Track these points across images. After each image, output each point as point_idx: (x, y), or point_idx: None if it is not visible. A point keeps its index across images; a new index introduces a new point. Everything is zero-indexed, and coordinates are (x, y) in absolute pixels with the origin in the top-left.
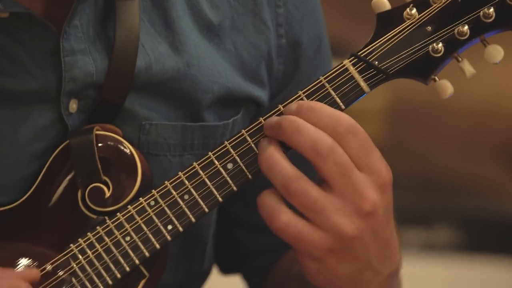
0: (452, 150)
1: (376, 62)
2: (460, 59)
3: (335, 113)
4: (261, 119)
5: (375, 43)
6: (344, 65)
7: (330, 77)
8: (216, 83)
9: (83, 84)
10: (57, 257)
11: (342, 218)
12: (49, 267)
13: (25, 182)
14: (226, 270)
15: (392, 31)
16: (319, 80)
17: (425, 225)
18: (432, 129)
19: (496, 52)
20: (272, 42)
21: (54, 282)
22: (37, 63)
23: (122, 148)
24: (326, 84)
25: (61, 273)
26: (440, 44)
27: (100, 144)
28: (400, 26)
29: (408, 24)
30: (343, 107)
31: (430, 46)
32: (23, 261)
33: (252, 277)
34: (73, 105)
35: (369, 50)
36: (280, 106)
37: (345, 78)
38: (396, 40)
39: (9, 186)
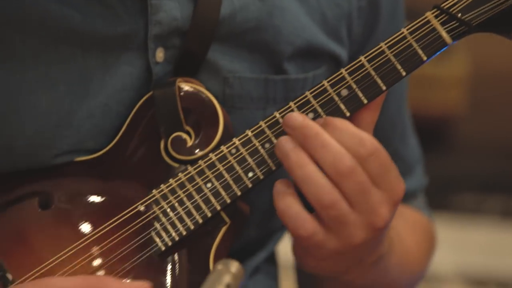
0: None
1: (459, 14)
2: None
3: (358, 134)
4: (342, 70)
5: None
6: (426, 17)
7: (412, 28)
8: (298, 36)
9: (169, 28)
10: (139, 202)
11: (356, 231)
12: (132, 212)
13: (113, 130)
14: None
15: None
16: (401, 32)
17: (506, 192)
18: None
19: None
20: (354, 2)
21: (137, 226)
22: (126, 7)
23: (204, 98)
24: (408, 36)
25: (144, 217)
26: None
27: (182, 94)
28: None
29: None
30: (424, 58)
31: None
32: (108, 207)
33: None
34: (159, 54)
35: (453, 2)
36: (362, 57)
37: (427, 30)
38: None
39: (97, 133)
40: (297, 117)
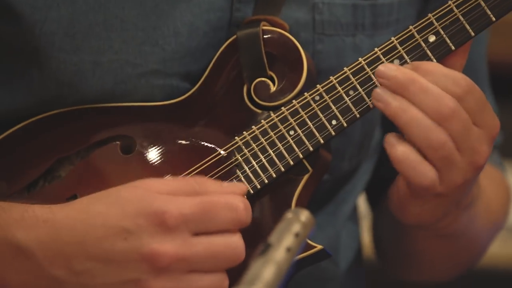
0: None
1: None
2: None
3: (452, 74)
4: (430, 15)
5: None
6: None
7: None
8: None
9: None
10: (222, 149)
11: (460, 171)
12: (214, 159)
13: (199, 52)
14: None
15: None
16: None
17: None
18: None
19: None
20: None
21: (219, 174)
22: None
23: (288, 43)
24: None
25: (226, 165)
26: None
27: (266, 39)
28: None
29: None
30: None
31: None
32: (190, 153)
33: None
34: None
35: None
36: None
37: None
38: None
39: (184, 53)
40: (390, 67)
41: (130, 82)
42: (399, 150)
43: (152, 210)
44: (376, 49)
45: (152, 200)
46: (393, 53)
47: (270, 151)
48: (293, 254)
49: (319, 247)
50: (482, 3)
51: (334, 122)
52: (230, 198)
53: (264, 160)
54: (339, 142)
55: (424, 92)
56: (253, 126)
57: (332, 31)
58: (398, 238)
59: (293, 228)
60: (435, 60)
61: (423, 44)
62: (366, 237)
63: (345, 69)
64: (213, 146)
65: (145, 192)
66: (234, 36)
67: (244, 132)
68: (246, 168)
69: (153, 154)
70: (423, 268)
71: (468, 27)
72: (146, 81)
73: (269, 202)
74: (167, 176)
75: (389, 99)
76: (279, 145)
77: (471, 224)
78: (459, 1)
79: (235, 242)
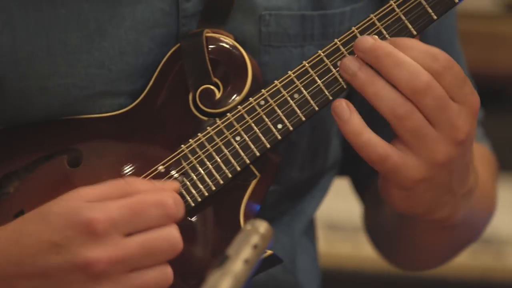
0: None
1: None
2: None
3: (430, 49)
4: (371, 15)
5: None
6: None
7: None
8: None
9: None
10: (168, 158)
11: (438, 146)
12: (161, 167)
13: (146, 70)
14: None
15: None
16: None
17: None
18: None
19: None
20: None
21: (165, 180)
22: None
23: (232, 49)
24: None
25: (172, 173)
26: None
27: (210, 46)
28: None
29: None
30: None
31: None
32: (137, 163)
33: (360, 181)
34: None
35: None
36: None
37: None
38: None
39: (131, 72)
40: (368, 39)
41: (77, 104)
42: (348, 127)
43: (79, 220)
44: (319, 52)
45: (79, 210)
46: (336, 55)
47: (217, 158)
48: (251, 266)
49: (269, 252)
50: (423, 2)
51: (279, 126)
52: (158, 195)
53: (211, 167)
54: (286, 151)
55: (399, 66)
56: (199, 134)
57: (279, 42)
58: (396, 228)
59: (252, 240)
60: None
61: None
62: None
63: (289, 72)
64: (160, 155)
65: (73, 202)
66: (178, 45)
67: (190, 140)
68: (193, 175)
69: (100, 166)
70: (421, 257)
71: (410, 26)
72: (93, 103)
73: (217, 208)
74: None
75: (356, 70)
76: (226, 151)
77: (471, 213)
78: (400, 1)
79: (169, 234)
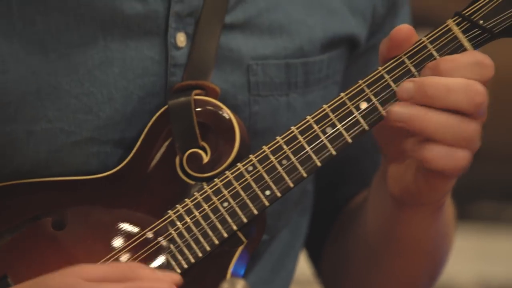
0: None
1: (481, 21)
2: None
3: (473, 56)
4: (360, 82)
5: (480, 1)
6: (447, 25)
7: (433, 37)
8: (310, 16)
9: (190, 7)
10: (155, 224)
11: (479, 136)
12: (147, 233)
13: (135, 118)
14: None
15: None
16: (421, 41)
17: None
18: None
19: None
20: None
21: (152, 249)
22: None
23: (221, 113)
24: (429, 45)
25: (159, 239)
26: None
27: (198, 109)
28: None
29: None
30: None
31: None
32: (122, 227)
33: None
34: (181, 38)
35: (474, 9)
36: (380, 69)
37: (448, 38)
38: None
39: (119, 120)
40: (407, 82)
41: (64, 150)
42: (429, 150)
43: None
44: (308, 117)
45: (75, 287)
46: (325, 121)
47: (204, 224)
48: None
49: None
50: (413, 69)
51: (267, 192)
52: (157, 284)
53: (198, 234)
54: (278, 204)
55: (452, 90)
56: (186, 199)
57: (267, 91)
58: (383, 238)
59: None
60: (367, 128)
61: (355, 111)
62: None
63: (278, 138)
64: (146, 220)
65: (70, 279)
66: (166, 106)
67: (177, 206)
68: (179, 242)
69: (85, 230)
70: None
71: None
72: (80, 150)
73: (203, 275)
74: (100, 255)
75: (410, 113)
76: (213, 217)
77: (444, 222)
78: (388, 68)
79: None
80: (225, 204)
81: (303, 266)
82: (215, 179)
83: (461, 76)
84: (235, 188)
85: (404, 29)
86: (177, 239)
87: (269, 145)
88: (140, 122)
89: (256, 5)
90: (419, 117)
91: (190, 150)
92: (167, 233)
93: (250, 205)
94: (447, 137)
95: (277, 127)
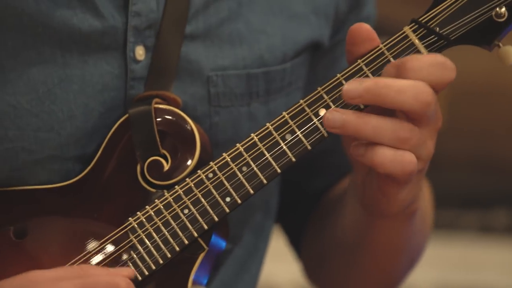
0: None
1: (437, 28)
2: None
3: (436, 57)
4: (319, 88)
5: (436, 8)
6: (404, 32)
7: (390, 44)
8: (270, 25)
9: (147, 20)
10: (115, 231)
11: (431, 142)
12: (108, 240)
13: (96, 134)
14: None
15: None
16: (378, 48)
17: (484, 208)
18: (491, 111)
19: None
20: None
21: (114, 256)
22: (106, 4)
23: (181, 121)
24: (386, 52)
25: (120, 246)
26: (504, 9)
27: (158, 118)
28: None
29: None
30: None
31: (494, 11)
32: (84, 235)
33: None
34: (139, 51)
35: (430, 16)
36: (339, 76)
37: (405, 45)
38: (458, 5)
39: (81, 136)
40: (353, 83)
41: (26, 169)
42: (376, 155)
43: None
44: (268, 124)
45: (31, 285)
46: (284, 128)
47: (165, 231)
48: None
49: None
50: (370, 76)
51: (228, 199)
52: (112, 277)
53: (158, 240)
54: (241, 211)
55: (401, 91)
56: (147, 206)
57: (228, 102)
58: (356, 239)
59: None
60: (326, 135)
61: (314, 118)
62: None
63: (238, 145)
64: (107, 227)
65: (25, 281)
66: (126, 115)
67: (138, 213)
68: (140, 249)
69: (46, 239)
70: (372, 273)
71: None
72: (42, 168)
73: (164, 282)
74: (62, 264)
75: (343, 119)
76: (174, 224)
77: (421, 218)
78: (346, 74)
79: None
80: (186, 211)
81: None
82: (176, 186)
83: (424, 75)
84: (195, 195)
85: (364, 27)
86: (138, 246)
87: (229, 152)
88: (101, 137)
89: (217, 14)
90: (352, 121)
91: (151, 158)
92: (128, 240)
93: (211, 211)
94: (387, 139)
95: (239, 137)
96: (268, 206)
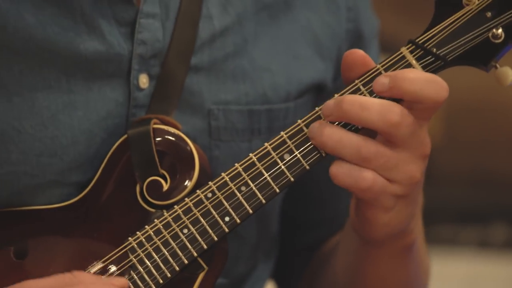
0: (508, 147)
1: (434, 49)
2: None
3: (432, 76)
4: (317, 108)
5: (433, 29)
6: (401, 53)
7: (387, 64)
8: (275, 63)
9: (152, 49)
10: (115, 251)
11: (412, 166)
12: (108, 260)
13: (98, 160)
14: None
15: (451, 17)
16: (376, 68)
17: (482, 223)
18: (487, 127)
19: None
20: (343, 24)
21: (114, 276)
22: (111, 27)
23: (179, 141)
24: (383, 72)
25: (120, 266)
26: (500, 30)
27: (157, 138)
28: (459, 12)
29: (467, 10)
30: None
31: (490, 32)
32: (84, 255)
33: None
34: (143, 79)
35: (427, 37)
36: (335, 95)
37: (402, 66)
38: (455, 27)
39: (83, 162)
40: (330, 101)
41: (26, 193)
42: (334, 166)
43: None
44: (266, 144)
45: None
46: (283, 147)
47: (164, 251)
48: None
49: None
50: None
51: (227, 218)
52: (103, 285)
53: (158, 260)
54: (236, 246)
55: (366, 108)
56: (146, 226)
57: (228, 137)
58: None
59: None
60: (323, 154)
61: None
62: None
63: (236, 165)
64: (107, 247)
65: None
66: (125, 136)
67: (137, 233)
68: (140, 269)
69: (47, 259)
70: None
71: None
72: (43, 192)
73: None
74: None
75: (319, 131)
76: (173, 244)
77: (418, 254)
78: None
79: None
80: (185, 230)
81: None
82: (175, 206)
83: (418, 88)
84: (194, 214)
85: (357, 52)
86: (138, 266)
87: (227, 172)
88: (102, 163)
89: (223, 49)
90: (319, 132)
91: (150, 178)
92: (128, 260)
93: (210, 231)
94: (348, 154)
95: None
96: (266, 249)
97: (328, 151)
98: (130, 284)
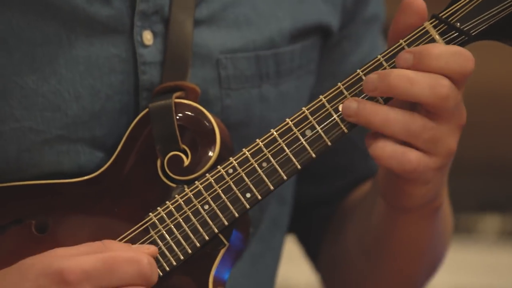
0: None
1: (458, 24)
2: None
3: (457, 48)
4: (339, 84)
5: (457, 4)
6: (424, 27)
7: (410, 39)
8: (279, 6)
9: (154, 5)
10: (136, 226)
11: (452, 139)
12: (129, 236)
13: (105, 117)
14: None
15: None
16: (399, 43)
17: (502, 211)
18: (503, 113)
19: None
20: None
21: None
22: None
23: (201, 116)
24: (406, 47)
25: (141, 242)
26: None
27: (179, 113)
28: None
29: None
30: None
31: None
32: (104, 230)
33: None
34: (147, 36)
35: (451, 12)
36: (359, 71)
37: (425, 41)
38: (479, 1)
39: (88, 117)
40: (372, 75)
41: (34, 149)
42: (377, 147)
43: (52, 269)
44: (287, 120)
45: (53, 261)
46: (304, 123)
47: (185, 227)
48: None
49: None
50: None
51: (248, 195)
52: (132, 253)
53: (179, 236)
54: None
55: (415, 82)
56: (167, 202)
57: (238, 84)
58: (381, 237)
59: None
60: (346, 131)
61: (334, 114)
62: None
63: (258, 141)
64: (128, 222)
65: (47, 256)
66: (147, 110)
67: (158, 208)
68: (161, 244)
69: (67, 234)
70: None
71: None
72: (50, 148)
73: (185, 278)
74: None
75: (356, 107)
76: (194, 220)
77: (444, 216)
78: (367, 70)
79: None
80: (206, 206)
81: None
82: (196, 182)
83: (443, 62)
84: (215, 190)
85: (418, 1)
86: (159, 242)
87: (249, 148)
88: (110, 120)
89: (220, 0)
90: (365, 110)
91: (171, 153)
92: (149, 235)
93: (231, 207)
94: (396, 130)
95: (251, 120)
96: (283, 197)
97: (374, 128)
98: (164, 264)
